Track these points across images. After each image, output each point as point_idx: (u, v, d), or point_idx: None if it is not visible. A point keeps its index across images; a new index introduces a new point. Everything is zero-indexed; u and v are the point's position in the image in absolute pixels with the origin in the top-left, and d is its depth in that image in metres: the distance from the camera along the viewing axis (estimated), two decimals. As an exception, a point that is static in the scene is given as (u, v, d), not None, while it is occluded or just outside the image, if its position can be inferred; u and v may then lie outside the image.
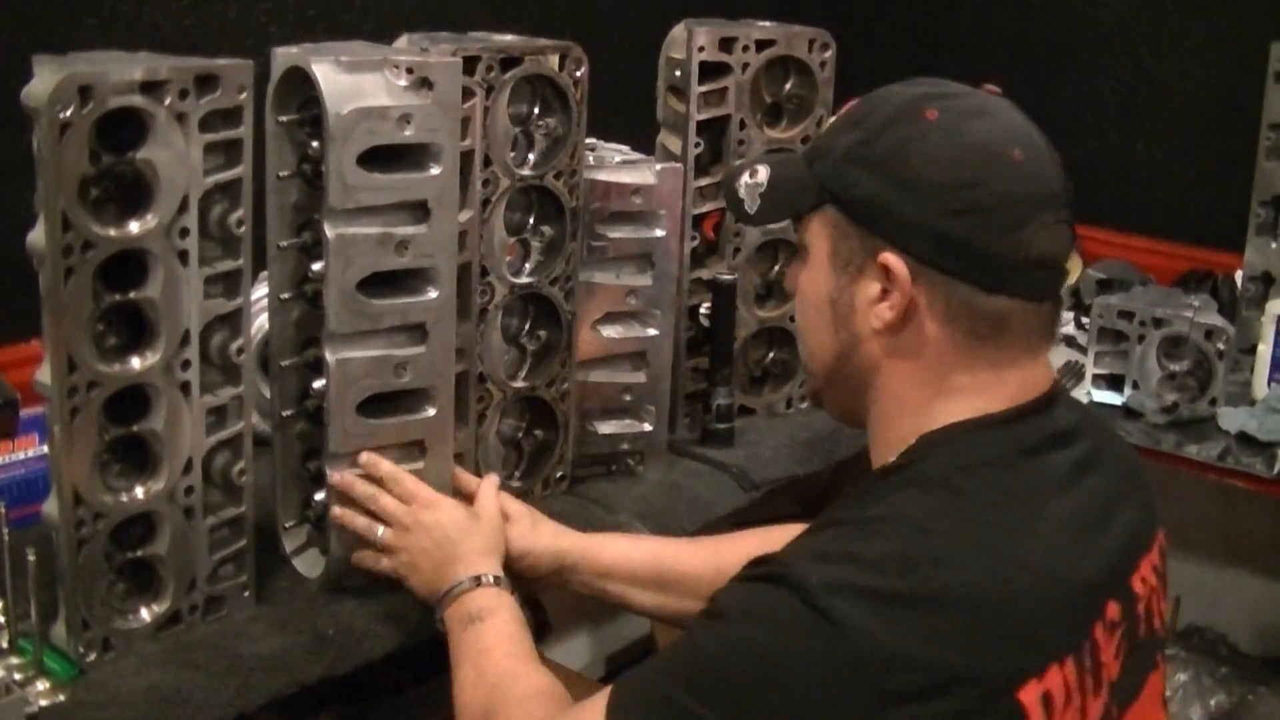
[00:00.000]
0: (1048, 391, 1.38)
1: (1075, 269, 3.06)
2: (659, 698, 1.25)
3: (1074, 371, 2.63)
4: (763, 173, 1.47)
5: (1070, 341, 2.84)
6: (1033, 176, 1.33)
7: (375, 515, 1.71)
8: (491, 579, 1.66)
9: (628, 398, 2.15)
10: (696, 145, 2.20)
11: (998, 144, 1.32)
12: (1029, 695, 1.21)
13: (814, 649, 1.18)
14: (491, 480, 1.81)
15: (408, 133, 1.62)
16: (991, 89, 1.39)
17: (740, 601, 1.25)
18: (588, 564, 1.78)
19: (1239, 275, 2.76)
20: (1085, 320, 2.76)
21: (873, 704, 1.16)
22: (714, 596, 1.29)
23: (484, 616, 1.61)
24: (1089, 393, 2.53)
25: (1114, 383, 2.54)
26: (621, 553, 1.79)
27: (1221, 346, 2.43)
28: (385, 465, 1.72)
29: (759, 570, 1.26)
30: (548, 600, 2.38)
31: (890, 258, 1.32)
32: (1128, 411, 2.49)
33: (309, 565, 1.80)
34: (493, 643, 1.58)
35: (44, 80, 1.42)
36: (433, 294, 1.71)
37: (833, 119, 1.44)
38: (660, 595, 1.78)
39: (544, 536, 1.78)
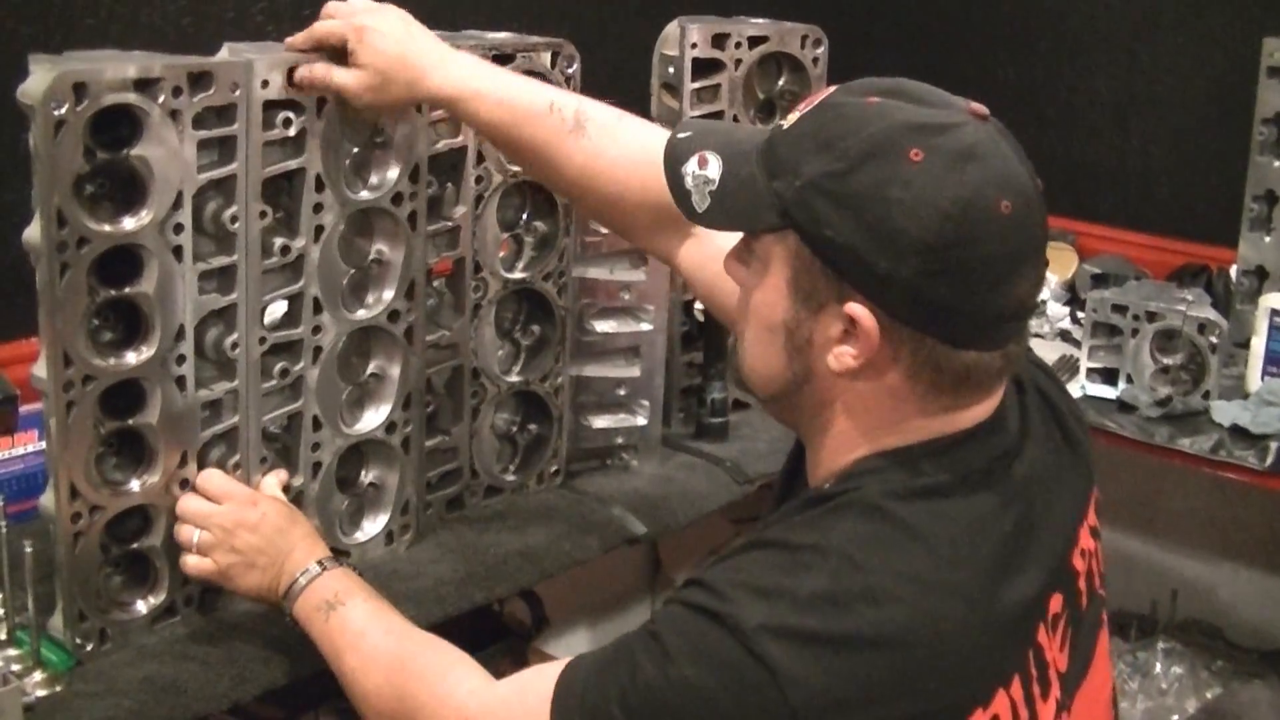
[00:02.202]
0: (995, 413, 1.33)
1: (1070, 264, 3.07)
2: (599, 710, 1.24)
3: (1068, 365, 2.64)
4: (714, 166, 1.34)
5: (1065, 336, 2.86)
6: (1019, 230, 1.23)
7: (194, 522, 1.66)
8: (333, 562, 1.62)
9: (622, 392, 2.16)
10: (690, 142, 2.20)
11: (986, 196, 1.20)
12: None
13: (751, 697, 1.17)
14: (278, 475, 1.76)
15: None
16: (979, 109, 1.26)
17: (682, 634, 1.22)
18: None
19: (1233, 270, 2.77)
20: (1080, 314, 2.77)
21: None
22: (656, 616, 1.26)
23: (342, 599, 1.56)
24: (1083, 387, 2.54)
25: (1108, 376, 2.55)
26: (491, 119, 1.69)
27: (1215, 340, 2.44)
28: (197, 472, 1.67)
29: (697, 599, 1.23)
30: (545, 595, 2.39)
31: (859, 310, 1.23)
32: (1121, 405, 2.50)
33: None
34: (365, 624, 1.53)
35: (39, 78, 1.44)
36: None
37: (797, 117, 1.30)
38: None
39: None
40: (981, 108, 1.26)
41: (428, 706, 1.43)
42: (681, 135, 1.40)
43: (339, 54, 1.66)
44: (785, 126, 1.31)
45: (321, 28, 1.67)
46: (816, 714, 1.16)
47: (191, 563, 1.64)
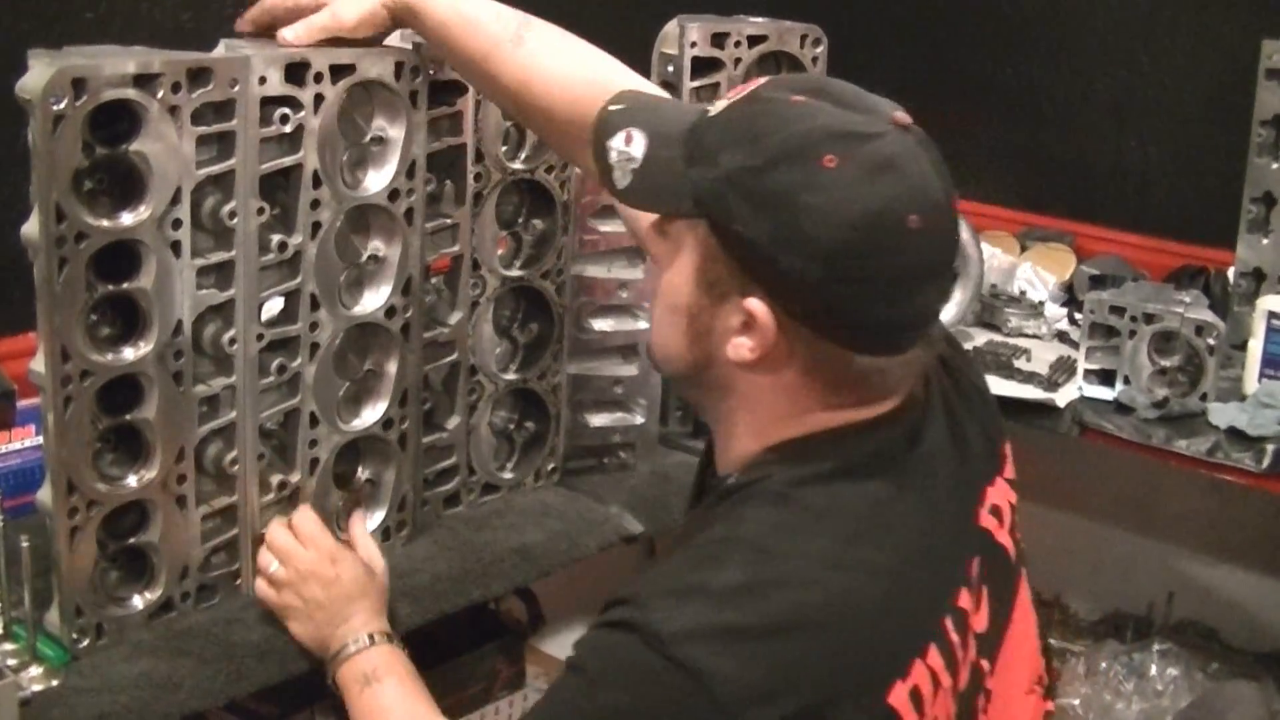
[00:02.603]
0: (903, 401, 1.35)
1: (1068, 266, 3.07)
2: None
3: (1066, 366, 2.64)
4: (639, 144, 1.35)
5: (1063, 337, 2.86)
6: (927, 246, 1.25)
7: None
8: (384, 637, 1.64)
9: (619, 390, 2.17)
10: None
11: (896, 211, 1.22)
12: (897, 697, 1.24)
13: (675, 703, 1.18)
14: (361, 519, 1.81)
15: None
16: (902, 118, 1.27)
17: (600, 657, 1.24)
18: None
19: (1231, 272, 2.77)
20: (1078, 316, 2.78)
21: None
22: (576, 644, 1.28)
23: (380, 677, 1.59)
24: (1080, 388, 2.54)
25: (1105, 378, 2.55)
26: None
27: (1212, 342, 2.44)
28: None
29: (616, 615, 1.24)
30: (542, 593, 2.39)
31: (758, 306, 1.26)
32: (1119, 406, 2.50)
33: None
34: (393, 704, 1.58)
35: (38, 73, 1.44)
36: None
37: (725, 105, 1.33)
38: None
39: None
40: (905, 117, 1.27)
41: None
42: (614, 108, 1.41)
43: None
44: (711, 114, 1.32)
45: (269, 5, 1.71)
46: (744, 707, 1.17)
47: (260, 588, 1.71)
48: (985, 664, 1.37)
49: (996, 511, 1.44)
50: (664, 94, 1.72)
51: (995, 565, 1.41)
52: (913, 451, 1.34)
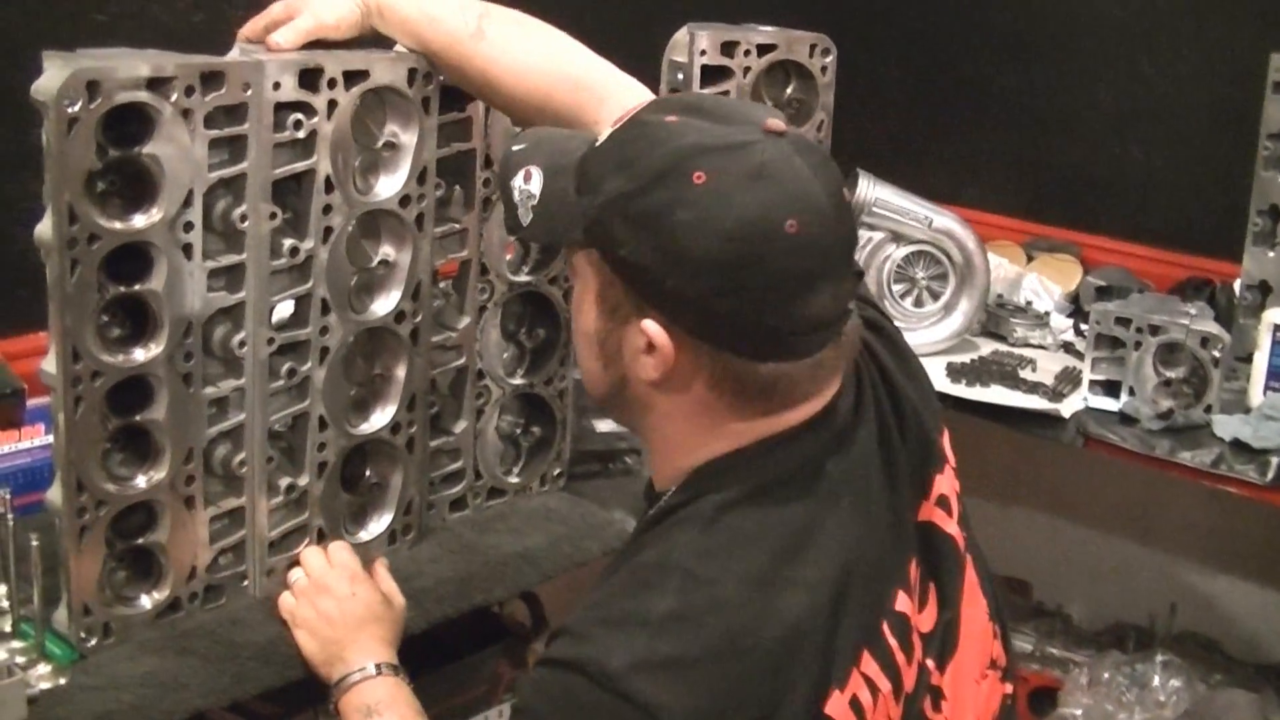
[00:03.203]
0: (828, 404, 1.35)
1: (1074, 276, 3.08)
2: None
3: (1071, 377, 2.65)
4: (535, 181, 1.37)
5: (1068, 347, 2.86)
6: (809, 248, 1.24)
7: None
8: (390, 669, 1.65)
9: (626, 396, 2.17)
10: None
11: (771, 217, 1.22)
12: (835, 707, 1.25)
13: None
14: (384, 565, 1.81)
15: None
16: (775, 125, 1.27)
17: (550, 700, 1.26)
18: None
19: (1237, 284, 2.77)
20: (1083, 327, 2.78)
21: None
22: (521, 686, 1.30)
23: (381, 711, 1.59)
24: (1085, 399, 2.55)
25: (1110, 389, 2.55)
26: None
27: (1217, 354, 2.44)
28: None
29: (559, 653, 1.26)
30: (545, 597, 2.40)
31: (652, 327, 1.27)
32: (1123, 417, 2.50)
33: None
34: None
35: (52, 75, 1.45)
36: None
37: (609, 132, 1.34)
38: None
39: None
40: (779, 123, 1.27)
41: None
42: (516, 148, 1.43)
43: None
44: (598, 144, 1.34)
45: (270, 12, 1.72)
46: None
47: (281, 598, 1.73)
48: (931, 663, 1.38)
49: (944, 502, 1.45)
50: (621, 80, 1.73)
51: (941, 559, 1.42)
52: (842, 456, 1.35)
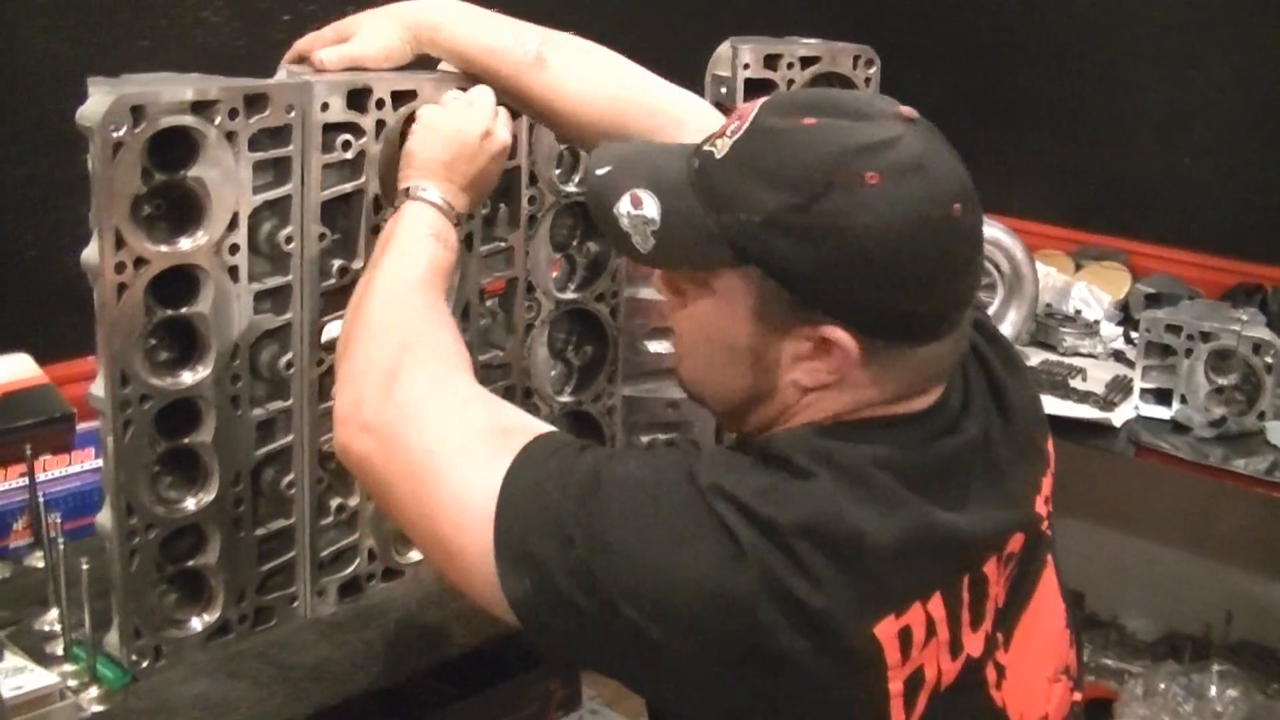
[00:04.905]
0: (942, 395, 1.35)
1: (1123, 285, 3.06)
2: (545, 511, 1.26)
3: (1122, 386, 2.63)
4: (650, 205, 1.32)
5: (1118, 356, 2.84)
6: (972, 228, 1.27)
7: None
8: (459, 216, 1.61)
9: (673, 412, 2.16)
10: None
11: (941, 204, 1.23)
12: (885, 630, 1.23)
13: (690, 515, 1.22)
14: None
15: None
16: (907, 112, 1.26)
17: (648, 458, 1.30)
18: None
19: (1288, 289, 2.76)
20: (1133, 334, 2.76)
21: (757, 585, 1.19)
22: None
23: (424, 240, 1.54)
24: (1137, 407, 2.53)
25: (1162, 397, 2.54)
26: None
27: (1270, 360, 2.43)
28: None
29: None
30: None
31: (837, 334, 1.25)
32: (1176, 426, 2.49)
33: None
34: (426, 275, 1.52)
35: (98, 101, 1.45)
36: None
37: (729, 144, 1.29)
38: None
39: None
40: (910, 111, 1.27)
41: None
42: (601, 172, 1.39)
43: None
44: (718, 155, 1.30)
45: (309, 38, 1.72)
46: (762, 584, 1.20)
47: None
48: (1000, 638, 1.36)
49: (1049, 502, 1.45)
50: (695, 102, 1.74)
51: (1034, 548, 1.41)
52: (955, 436, 1.34)
